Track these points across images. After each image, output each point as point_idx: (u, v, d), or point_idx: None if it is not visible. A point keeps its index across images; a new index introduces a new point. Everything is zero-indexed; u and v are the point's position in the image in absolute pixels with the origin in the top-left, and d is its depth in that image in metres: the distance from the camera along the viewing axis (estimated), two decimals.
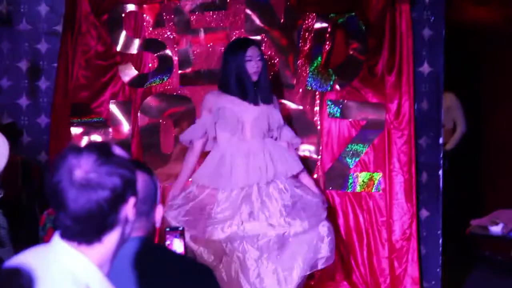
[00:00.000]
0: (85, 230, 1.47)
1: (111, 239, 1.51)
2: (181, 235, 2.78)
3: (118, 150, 1.54)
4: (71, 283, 1.45)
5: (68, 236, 1.49)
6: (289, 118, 4.64)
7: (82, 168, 1.44)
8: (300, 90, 4.72)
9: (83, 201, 1.43)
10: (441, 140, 4.69)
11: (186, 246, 2.84)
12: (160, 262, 2.27)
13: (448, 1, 4.85)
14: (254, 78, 4.14)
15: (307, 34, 4.70)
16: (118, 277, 1.83)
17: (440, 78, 4.66)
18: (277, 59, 4.76)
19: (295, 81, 4.71)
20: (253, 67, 4.12)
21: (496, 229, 4.26)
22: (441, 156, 4.66)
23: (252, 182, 4.07)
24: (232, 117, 4.14)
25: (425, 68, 4.63)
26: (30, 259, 1.50)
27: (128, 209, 1.52)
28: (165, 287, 2.31)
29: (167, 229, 2.88)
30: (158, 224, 2.26)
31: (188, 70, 4.72)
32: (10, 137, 3.97)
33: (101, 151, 1.50)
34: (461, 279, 5.50)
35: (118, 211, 1.49)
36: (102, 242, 1.49)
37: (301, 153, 4.60)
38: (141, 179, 1.98)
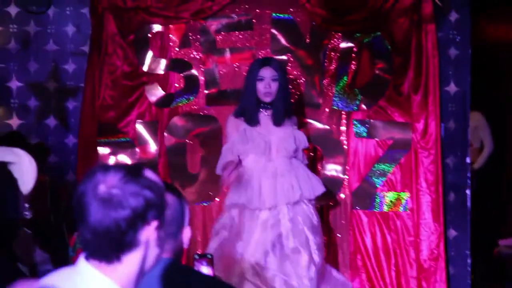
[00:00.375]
0: (103, 247, 1.48)
1: (132, 260, 1.51)
2: (209, 263, 2.76)
3: (149, 173, 1.54)
4: None
5: (89, 252, 1.49)
6: (315, 138, 4.64)
7: (108, 183, 1.46)
8: (327, 109, 4.71)
9: (101, 216, 1.45)
10: (468, 160, 4.70)
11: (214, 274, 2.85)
12: (187, 283, 2.26)
13: (474, 20, 4.87)
14: (266, 99, 4.09)
15: (332, 53, 4.71)
16: None
17: (466, 97, 4.68)
18: (303, 79, 4.76)
19: (321, 101, 4.72)
20: (265, 87, 4.06)
21: None
22: (469, 175, 4.66)
23: (280, 203, 4.04)
24: (257, 137, 4.10)
25: (452, 88, 4.66)
26: (56, 281, 1.51)
27: (150, 232, 1.51)
28: None
29: (196, 256, 2.87)
30: (186, 246, 2.27)
31: (214, 90, 4.73)
32: (38, 157, 3.93)
33: (129, 170, 1.51)
34: None
35: (138, 232, 1.49)
36: (122, 262, 1.49)
37: (328, 173, 4.61)
38: (169, 201, 1.98)
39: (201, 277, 2.43)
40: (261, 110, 4.15)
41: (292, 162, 4.15)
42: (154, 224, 1.52)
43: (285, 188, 4.05)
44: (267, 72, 4.06)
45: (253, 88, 4.08)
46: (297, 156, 4.22)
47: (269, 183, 4.06)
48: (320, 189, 4.17)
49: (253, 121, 4.11)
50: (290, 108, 4.23)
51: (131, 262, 1.52)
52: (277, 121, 4.13)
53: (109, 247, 1.50)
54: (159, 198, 1.53)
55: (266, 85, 4.06)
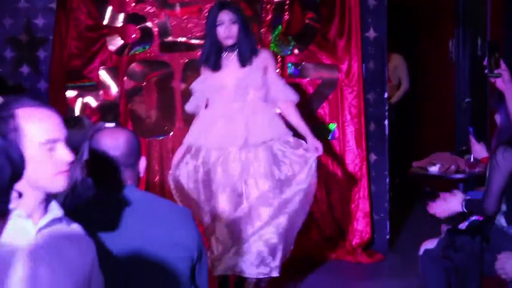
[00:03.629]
0: None
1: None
2: None
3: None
4: None
5: None
6: None
7: None
8: None
9: None
10: (385, 95, 5.21)
11: None
12: (149, 204, 2.49)
13: None
14: (227, 42, 4.00)
15: (268, 6, 5.22)
16: (118, 219, 2.22)
17: (383, 41, 5.17)
18: None
19: (259, 47, 5.13)
20: (224, 31, 3.97)
21: (434, 169, 4.67)
22: (386, 108, 5.16)
23: (225, 145, 4.00)
24: (213, 82, 4.06)
25: (371, 33, 5.14)
26: None
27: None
28: (154, 225, 2.51)
29: None
30: (142, 174, 2.46)
31: (167, 39, 5.22)
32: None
33: None
34: (405, 211, 6.12)
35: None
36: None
37: None
38: (125, 137, 2.36)
39: (159, 199, 2.60)
40: (225, 53, 4.06)
41: (248, 105, 4.06)
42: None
43: (234, 131, 3.98)
44: (225, 16, 3.95)
45: (213, 33, 3.99)
46: (269, 76, 4.11)
47: (220, 126, 4.00)
48: (278, 131, 4.07)
49: (215, 66, 4.05)
50: (255, 47, 4.13)
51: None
52: (244, 62, 4.03)
53: None
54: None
55: (226, 29, 3.96)
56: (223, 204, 3.99)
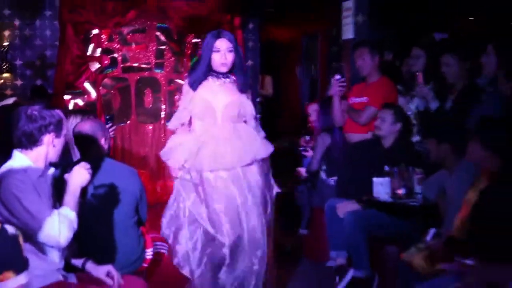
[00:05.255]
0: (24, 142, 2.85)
1: (39, 150, 2.90)
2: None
3: (57, 112, 2.96)
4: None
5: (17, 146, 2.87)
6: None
7: (32, 108, 2.88)
8: (186, 74, 7.59)
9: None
10: (258, 99, 8.10)
11: None
12: (112, 165, 3.66)
13: (261, 27, 8.43)
14: (222, 69, 3.88)
15: (188, 45, 8.24)
16: (95, 174, 3.22)
17: (257, 67, 8.34)
18: (173, 59, 8.24)
19: (183, 70, 8.19)
20: (221, 58, 3.84)
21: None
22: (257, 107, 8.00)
23: (218, 167, 3.85)
24: (204, 103, 3.90)
25: (249, 62, 8.19)
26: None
27: (49, 137, 2.89)
28: (114, 177, 3.55)
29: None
30: (106, 146, 3.67)
31: (126, 64, 8.24)
32: (44, 94, 7.02)
33: (46, 106, 2.93)
34: None
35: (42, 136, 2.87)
36: (33, 150, 2.88)
37: None
38: (90, 124, 3.63)
39: (115, 162, 3.69)
40: (220, 79, 3.91)
41: (236, 127, 3.93)
42: (52, 134, 2.88)
43: (223, 153, 3.84)
44: (222, 44, 3.84)
45: (208, 59, 3.86)
46: (247, 123, 4.02)
47: (210, 147, 3.87)
48: (262, 153, 3.96)
49: (195, 88, 3.90)
50: (248, 75, 4.29)
51: (39, 151, 2.87)
52: (243, 88, 3.94)
53: (28, 142, 2.84)
54: (57, 122, 2.89)
55: (222, 56, 3.83)
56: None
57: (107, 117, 5.21)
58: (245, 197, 3.86)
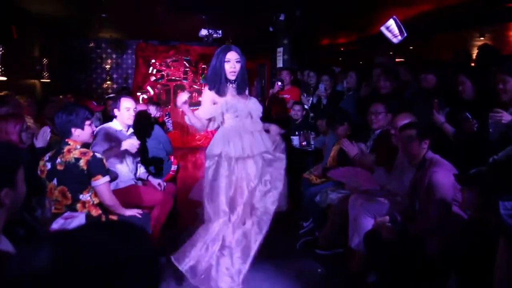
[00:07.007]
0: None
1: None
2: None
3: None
4: None
5: None
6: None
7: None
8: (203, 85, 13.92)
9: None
10: None
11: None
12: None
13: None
14: (231, 77, 4.29)
15: (200, 69, 14.63)
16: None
17: None
18: (192, 76, 14.50)
19: (196, 81, 14.58)
20: (231, 67, 4.26)
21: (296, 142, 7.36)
22: None
23: (245, 154, 4.29)
24: (235, 104, 4.32)
25: None
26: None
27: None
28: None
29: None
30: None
31: (168, 78, 14.73)
32: (127, 93, 12.80)
33: None
34: None
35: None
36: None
37: None
38: (145, 107, 6.33)
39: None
40: (228, 84, 4.35)
41: (253, 121, 4.43)
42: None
43: (253, 142, 4.32)
44: (232, 56, 4.27)
45: (221, 68, 4.27)
46: (253, 119, 4.47)
47: (246, 137, 4.31)
48: (268, 144, 4.46)
49: (223, 93, 4.32)
50: (247, 81, 4.54)
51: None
52: (241, 91, 4.38)
53: None
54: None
55: (232, 65, 4.27)
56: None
57: (159, 104, 7.65)
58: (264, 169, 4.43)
